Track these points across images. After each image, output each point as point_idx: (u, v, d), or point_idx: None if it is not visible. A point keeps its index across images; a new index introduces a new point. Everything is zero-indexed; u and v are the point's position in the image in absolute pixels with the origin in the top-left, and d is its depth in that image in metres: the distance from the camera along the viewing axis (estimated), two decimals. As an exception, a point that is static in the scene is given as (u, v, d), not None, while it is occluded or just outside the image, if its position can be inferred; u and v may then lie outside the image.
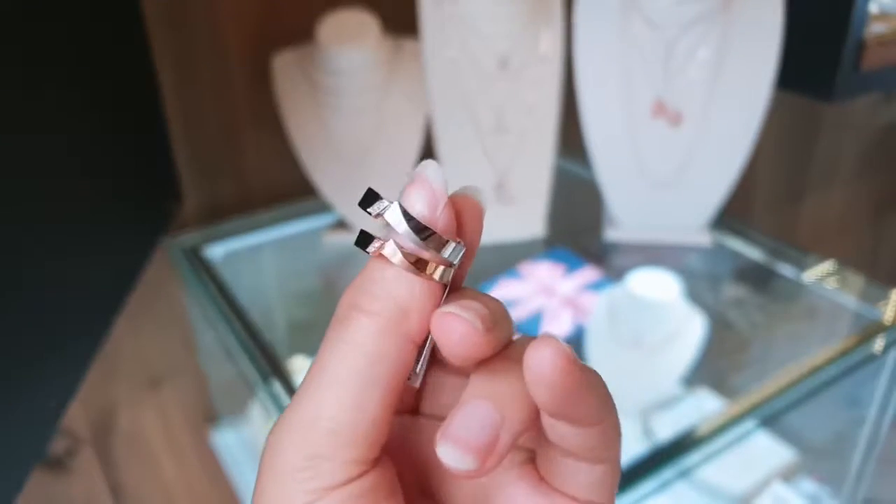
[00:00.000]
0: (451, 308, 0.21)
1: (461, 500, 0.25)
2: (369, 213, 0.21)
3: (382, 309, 0.21)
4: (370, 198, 0.21)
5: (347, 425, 0.20)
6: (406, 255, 0.21)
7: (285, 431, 0.21)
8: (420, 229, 0.21)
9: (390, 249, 0.21)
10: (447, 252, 0.21)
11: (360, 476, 0.21)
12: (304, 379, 0.21)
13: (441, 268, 0.22)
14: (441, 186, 0.21)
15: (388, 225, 0.21)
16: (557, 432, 0.21)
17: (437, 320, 0.21)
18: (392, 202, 0.21)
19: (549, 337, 0.20)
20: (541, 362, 0.19)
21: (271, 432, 0.21)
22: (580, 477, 0.23)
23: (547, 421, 0.21)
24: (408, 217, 0.21)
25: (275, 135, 0.83)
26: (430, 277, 0.21)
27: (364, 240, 0.22)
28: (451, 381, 0.25)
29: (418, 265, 0.21)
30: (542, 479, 0.23)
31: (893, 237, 1.71)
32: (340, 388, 0.20)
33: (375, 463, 0.21)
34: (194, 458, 0.95)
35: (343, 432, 0.20)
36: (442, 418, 0.23)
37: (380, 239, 0.21)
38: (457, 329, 0.21)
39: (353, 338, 0.21)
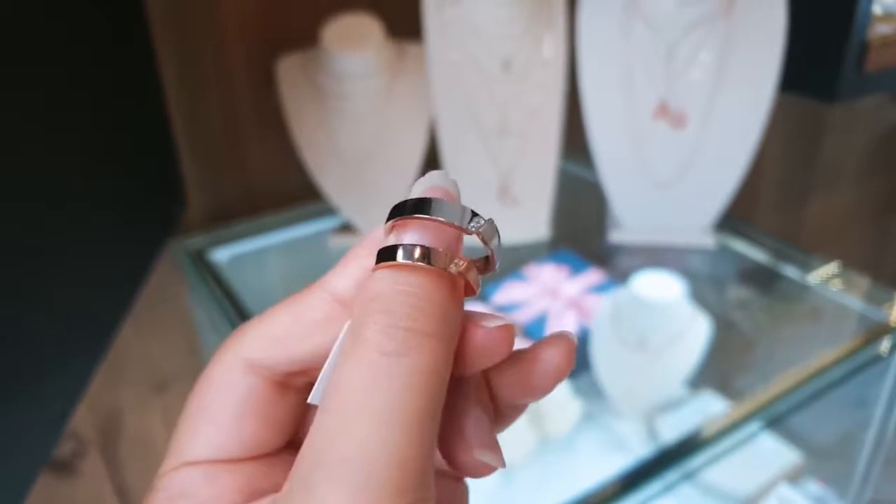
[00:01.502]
0: (500, 319, 0.21)
1: None
2: (467, 231, 0.20)
3: (448, 332, 0.20)
4: (466, 213, 0.20)
5: (430, 460, 0.19)
6: (474, 270, 0.21)
7: (352, 482, 0.17)
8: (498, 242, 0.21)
9: (467, 268, 0.20)
10: (496, 264, 0.22)
11: None
12: (351, 420, 0.18)
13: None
14: (457, 194, 0.21)
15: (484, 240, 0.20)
16: (503, 418, 0.24)
17: (498, 333, 0.21)
18: (486, 217, 0.20)
19: (566, 336, 0.22)
20: (563, 362, 0.22)
21: (318, 487, 0.17)
22: None
23: (502, 408, 0.23)
24: (497, 231, 0.21)
25: (279, 138, 0.83)
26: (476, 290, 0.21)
27: (413, 255, 0.20)
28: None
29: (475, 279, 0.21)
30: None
31: (898, 238, 1.71)
32: (423, 421, 0.18)
33: None
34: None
35: (429, 469, 0.18)
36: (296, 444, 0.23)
37: (459, 257, 0.20)
38: (511, 339, 0.21)
39: (428, 367, 0.19)
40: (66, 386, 0.55)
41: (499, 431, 0.24)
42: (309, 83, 0.80)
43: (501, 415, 0.24)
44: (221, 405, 0.22)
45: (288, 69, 0.80)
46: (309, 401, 0.21)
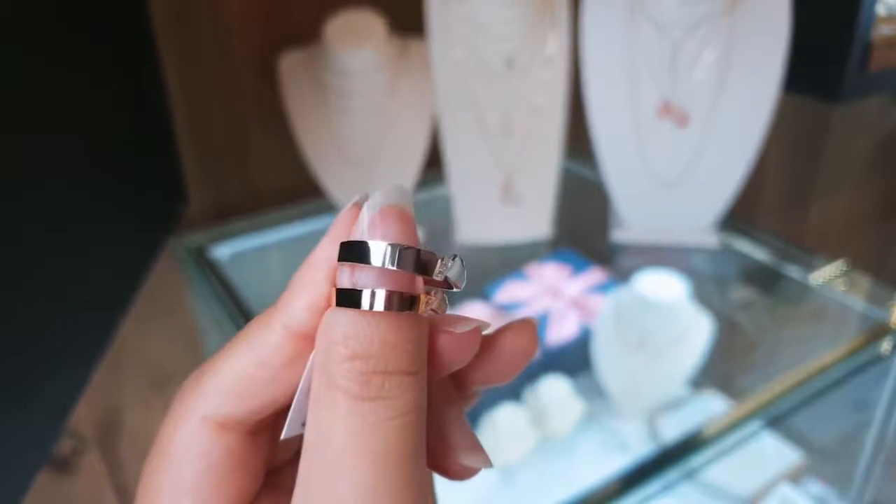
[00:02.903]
0: (468, 322, 0.21)
1: None
2: (433, 278, 0.19)
3: (422, 365, 0.20)
4: (428, 260, 0.19)
5: (429, 489, 0.19)
6: (440, 296, 0.20)
7: None
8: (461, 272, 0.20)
9: (440, 302, 0.20)
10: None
11: None
12: (346, 468, 0.18)
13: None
14: (412, 211, 0.20)
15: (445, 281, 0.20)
16: (467, 402, 0.24)
17: (466, 337, 0.21)
18: (453, 256, 0.20)
19: (529, 321, 0.23)
20: (530, 345, 0.22)
21: None
22: None
23: (472, 389, 0.24)
24: (463, 265, 0.20)
25: (281, 135, 0.83)
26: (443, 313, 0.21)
27: (402, 302, 0.19)
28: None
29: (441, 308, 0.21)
30: None
31: (900, 239, 1.70)
32: (417, 457, 0.19)
33: None
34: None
35: (431, 498, 0.19)
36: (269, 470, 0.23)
37: (425, 293, 0.20)
38: (477, 341, 0.21)
39: (411, 405, 0.19)
40: (66, 383, 0.55)
41: None
42: (311, 80, 0.80)
43: (464, 401, 0.24)
44: (199, 475, 0.20)
45: (290, 66, 0.80)
46: (282, 438, 0.21)
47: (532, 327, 0.23)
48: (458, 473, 0.22)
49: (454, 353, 0.21)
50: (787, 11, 0.75)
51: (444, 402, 0.22)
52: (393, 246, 0.18)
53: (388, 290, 0.19)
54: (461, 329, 0.21)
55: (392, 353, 0.19)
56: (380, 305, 0.18)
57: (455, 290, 0.20)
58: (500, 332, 0.22)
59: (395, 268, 0.18)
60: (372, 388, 0.18)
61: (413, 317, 0.19)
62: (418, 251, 0.19)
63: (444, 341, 0.20)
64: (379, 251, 0.18)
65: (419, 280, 0.19)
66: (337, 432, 0.18)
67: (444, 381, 0.23)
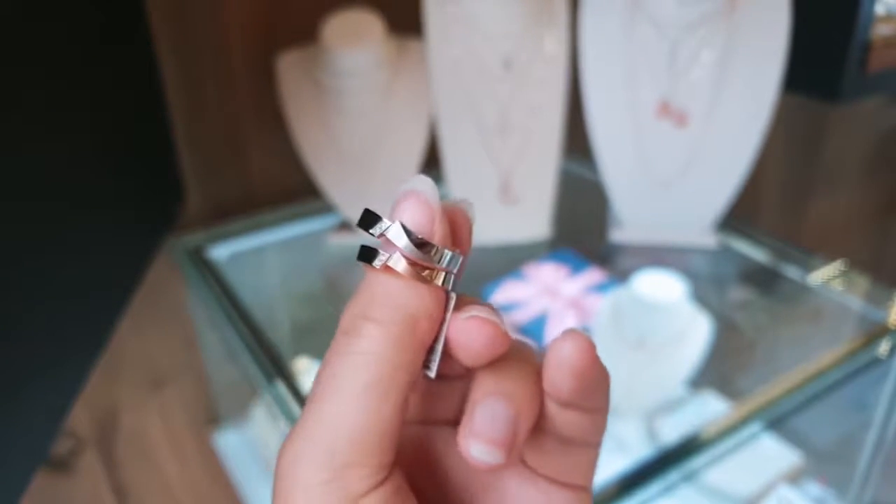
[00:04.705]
0: (474, 312, 0.23)
1: (455, 498, 0.26)
2: (371, 234, 0.22)
3: (395, 318, 0.22)
4: (369, 219, 0.23)
5: (372, 432, 0.21)
6: (411, 266, 0.22)
7: (307, 444, 0.21)
8: (421, 244, 0.22)
9: (396, 262, 0.22)
10: (446, 261, 0.23)
11: (385, 481, 0.21)
12: (316, 391, 0.22)
13: (443, 274, 0.23)
14: (436, 200, 0.23)
15: (389, 240, 0.22)
16: (564, 420, 0.23)
17: (464, 325, 0.22)
18: (393, 222, 0.22)
19: (577, 331, 0.23)
20: (572, 353, 0.22)
21: (287, 449, 0.21)
22: (571, 461, 0.25)
23: (554, 409, 0.23)
24: (408, 233, 0.22)
25: (279, 135, 0.83)
26: (435, 284, 0.23)
27: (368, 255, 0.22)
28: (435, 387, 0.26)
29: (423, 274, 0.22)
30: (529, 468, 0.25)
31: (899, 239, 1.70)
32: (363, 396, 0.21)
33: (393, 467, 0.22)
34: (197, 459, 0.95)
35: (369, 440, 0.21)
36: (426, 422, 0.26)
37: (384, 253, 0.22)
38: (485, 331, 0.22)
39: (369, 348, 0.21)
40: (63, 383, 0.55)
41: (572, 440, 0.24)
42: (309, 80, 0.79)
43: (557, 420, 0.24)
44: None
45: (288, 66, 0.80)
46: None
47: (574, 335, 0.22)
48: (468, 456, 0.22)
49: (462, 335, 0.22)
50: (786, 11, 0.75)
51: (497, 393, 0.23)
52: (391, 220, 0.22)
53: (381, 252, 0.22)
54: (465, 315, 0.22)
55: (367, 301, 0.22)
56: (373, 262, 0.22)
57: (452, 273, 0.23)
58: (553, 341, 0.23)
59: (384, 235, 0.22)
60: (345, 325, 0.22)
61: (387, 276, 0.22)
62: (408, 230, 0.22)
63: (455, 325, 0.23)
64: (379, 222, 0.22)
65: (407, 249, 0.22)
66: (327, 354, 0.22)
67: (528, 386, 0.23)
